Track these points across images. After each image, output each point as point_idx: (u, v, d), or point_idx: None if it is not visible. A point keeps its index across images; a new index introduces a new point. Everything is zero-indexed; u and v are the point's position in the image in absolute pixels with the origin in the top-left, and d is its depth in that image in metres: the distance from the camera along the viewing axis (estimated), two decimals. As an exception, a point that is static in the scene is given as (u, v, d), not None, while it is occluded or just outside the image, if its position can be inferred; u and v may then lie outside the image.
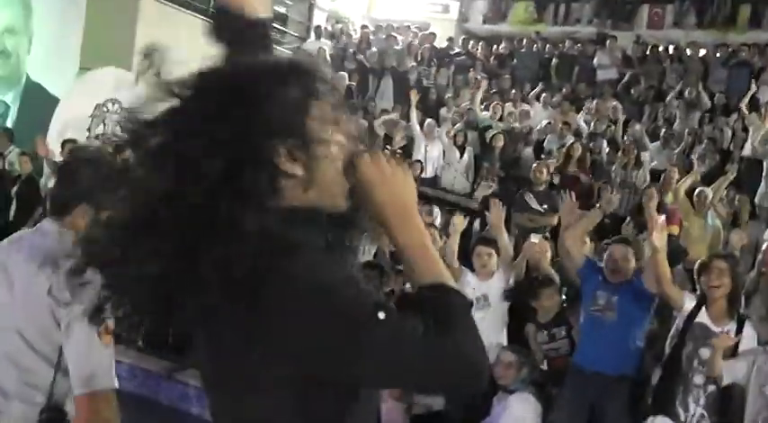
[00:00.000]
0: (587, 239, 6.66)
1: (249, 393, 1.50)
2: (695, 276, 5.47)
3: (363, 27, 18.81)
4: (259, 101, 1.45)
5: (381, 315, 1.41)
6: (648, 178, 10.80)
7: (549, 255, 6.48)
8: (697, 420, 5.01)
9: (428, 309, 1.48)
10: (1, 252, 2.79)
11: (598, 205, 6.22)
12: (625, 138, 12.19)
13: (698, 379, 5.03)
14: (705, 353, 4.98)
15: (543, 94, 14.63)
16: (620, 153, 11.35)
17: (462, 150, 12.46)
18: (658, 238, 5.07)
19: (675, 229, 8.00)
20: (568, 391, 5.53)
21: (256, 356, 1.44)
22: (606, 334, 5.37)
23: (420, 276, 1.55)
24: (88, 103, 10.98)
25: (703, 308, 5.13)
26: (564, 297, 6.19)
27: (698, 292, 5.38)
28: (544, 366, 5.89)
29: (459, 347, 1.46)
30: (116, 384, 2.58)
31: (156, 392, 7.06)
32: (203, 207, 1.38)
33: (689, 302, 5.20)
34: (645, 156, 11.39)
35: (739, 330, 5.04)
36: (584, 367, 5.42)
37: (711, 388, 5.00)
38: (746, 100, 12.32)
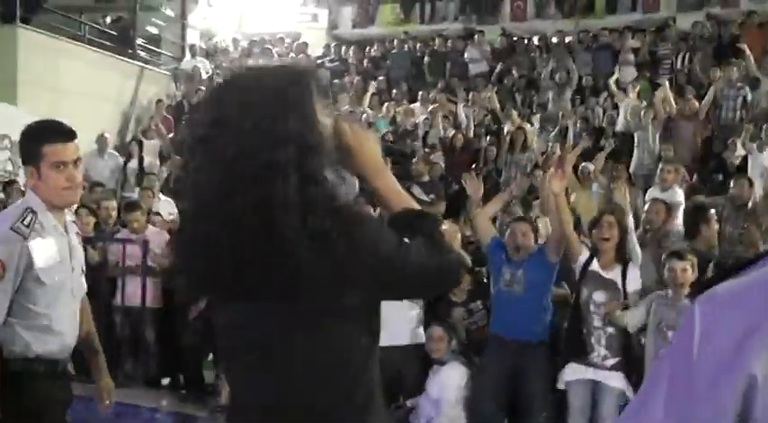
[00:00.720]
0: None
1: (322, 329, 1.87)
2: (588, 231, 6.07)
3: (235, 41, 19.00)
4: (302, 103, 1.84)
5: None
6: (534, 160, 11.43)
7: (458, 237, 6.88)
8: (602, 360, 5.54)
9: (417, 227, 1.97)
10: None
11: (510, 188, 6.60)
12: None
13: (597, 322, 5.56)
14: (599, 297, 5.54)
15: (420, 92, 15.08)
16: (507, 138, 11.94)
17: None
18: (557, 185, 5.49)
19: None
20: (488, 357, 5.95)
21: (332, 290, 1.82)
22: (516, 305, 5.78)
23: (397, 208, 2.04)
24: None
25: (595, 258, 5.67)
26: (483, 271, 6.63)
27: (590, 246, 5.92)
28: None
29: (445, 254, 1.97)
30: None
31: None
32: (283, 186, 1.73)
33: (584, 255, 5.72)
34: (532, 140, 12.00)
35: (624, 273, 5.60)
36: (502, 335, 5.83)
37: (610, 330, 5.53)
38: (613, 79, 13.17)
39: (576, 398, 5.57)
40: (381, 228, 1.93)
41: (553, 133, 12.40)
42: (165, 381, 7.99)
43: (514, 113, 12.93)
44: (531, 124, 12.97)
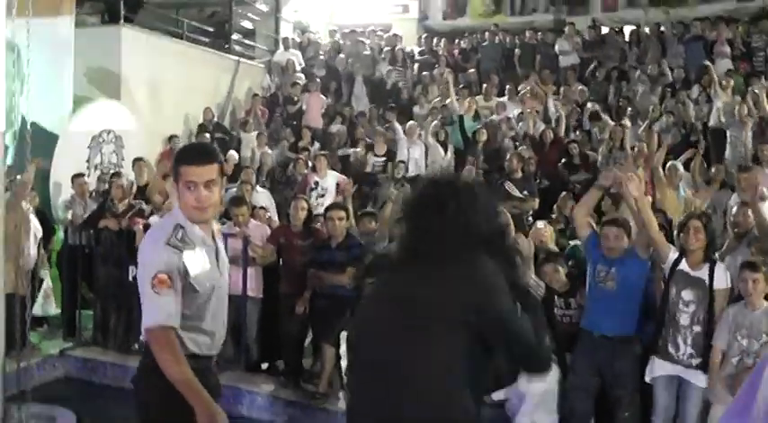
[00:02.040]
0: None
1: (439, 337, 2.40)
2: (676, 234, 6.26)
3: (333, 33, 19.39)
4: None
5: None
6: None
7: (552, 236, 7.07)
8: (687, 358, 5.73)
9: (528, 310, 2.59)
10: None
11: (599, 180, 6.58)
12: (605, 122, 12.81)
13: (684, 320, 5.75)
14: (687, 295, 5.73)
15: (507, 86, 15.09)
16: (607, 136, 11.99)
17: (445, 147, 13.06)
18: (634, 188, 5.68)
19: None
20: (580, 354, 6.15)
21: (457, 305, 2.42)
22: (609, 301, 5.96)
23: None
24: (84, 135, 11.50)
25: (683, 259, 5.83)
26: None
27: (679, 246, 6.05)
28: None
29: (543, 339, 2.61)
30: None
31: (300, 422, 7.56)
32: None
33: (673, 254, 5.90)
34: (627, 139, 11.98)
35: (711, 272, 5.74)
36: (592, 331, 6.02)
37: (697, 329, 5.72)
38: (714, 76, 12.84)
39: (663, 394, 5.77)
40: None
41: (642, 128, 12.35)
42: (264, 366, 8.34)
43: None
44: (623, 118, 12.92)
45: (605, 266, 6.07)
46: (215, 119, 15.07)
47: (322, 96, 15.82)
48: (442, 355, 2.37)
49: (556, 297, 6.62)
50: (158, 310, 3.35)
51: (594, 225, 6.55)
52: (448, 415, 2.33)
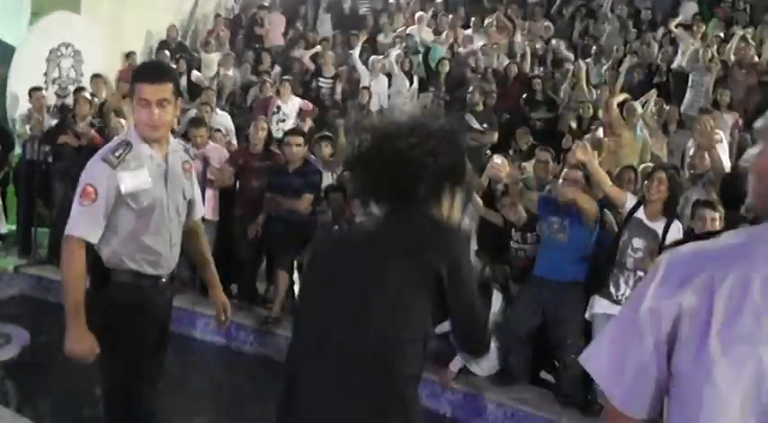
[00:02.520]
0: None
1: (395, 271, 2.34)
2: (642, 180, 6.37)
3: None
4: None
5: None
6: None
7: (508, 170, 7.12)
8: (625, 298, 5.81)
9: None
10: None
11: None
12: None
13: (629, 264, 5.86)
14: (638, 243, 5.82)
15: (473, 18, 14.94)
16: (570, 74, 12.00)
17: (411, 78, 12.99)
18: (582, 154, 5.86)
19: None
20: (525, 292, 6.30)
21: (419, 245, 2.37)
22: (559, 252, 6.10)
23: None
24: (43, 48, 11.28)
25: (641, 207, 5.92)
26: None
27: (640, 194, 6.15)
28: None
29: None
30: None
31: (251, 345, 7.61)
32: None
33: (630, 201, 6.00)
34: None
35: (668, 226, 5.82)
36: (542, 276, 6.16)
37: (641, 273, 5.80)
38: (677, 21, 12.97)
39: (599, 330, 5.89)
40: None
41: (605, 67, 12.37)
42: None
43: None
44: (588, 57, 12.92)
45: (558, 219, 6.18)
46: (178, 37, 14.84)
47: (283, 16, 15.65)
48: (396, 289, 2.32)
49: (513, 230, 6.69)
50: (77, 220, 3.43)
51: None
52: (395, 347, 2.31)
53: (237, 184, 8.28)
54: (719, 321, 1.35)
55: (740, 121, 9.96)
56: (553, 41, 13.87)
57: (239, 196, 8.24)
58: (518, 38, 13.98)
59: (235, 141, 10.22)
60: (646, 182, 6.04)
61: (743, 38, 11.42)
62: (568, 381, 6.06)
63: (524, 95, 11.84)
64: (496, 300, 6.28)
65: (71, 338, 3.37)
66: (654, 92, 10.21)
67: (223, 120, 10.83)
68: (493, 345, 6.18)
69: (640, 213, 5.92)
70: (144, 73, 3.61)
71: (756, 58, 11.13)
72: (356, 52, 13.25)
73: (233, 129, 10.83)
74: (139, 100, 3.49)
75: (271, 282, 8.05)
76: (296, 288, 7.77)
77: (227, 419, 6.25)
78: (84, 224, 3.42)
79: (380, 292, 2.31)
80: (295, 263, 7.71)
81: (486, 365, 6.26)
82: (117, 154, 3.47)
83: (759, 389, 1.33)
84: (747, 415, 1.34)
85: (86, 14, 12.87)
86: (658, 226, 5.84)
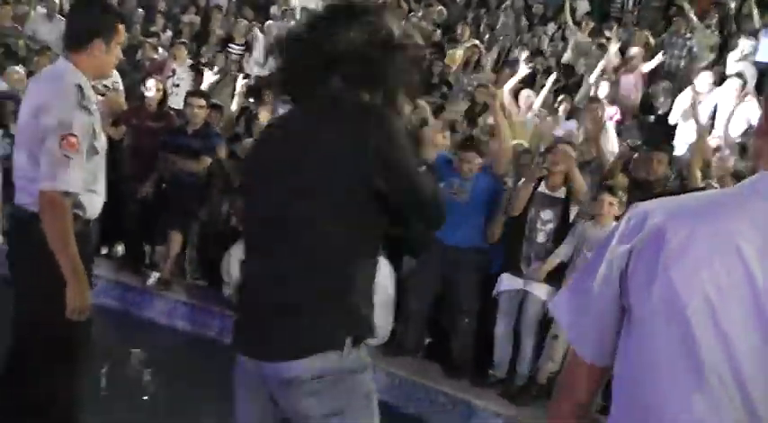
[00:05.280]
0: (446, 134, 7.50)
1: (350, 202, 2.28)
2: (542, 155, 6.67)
3: None
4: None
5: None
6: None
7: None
8: (534, 272, 6.01)
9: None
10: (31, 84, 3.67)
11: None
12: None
13: (540, 238, 6.05)
14: (546, 215, 6.03)
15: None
16: (462, 56, 12.10)
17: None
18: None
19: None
20: (424, 261, 6.28)
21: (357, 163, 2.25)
22: (459, 213, 6.03)
23: None
24: None
25: (542, 181, 6.12)
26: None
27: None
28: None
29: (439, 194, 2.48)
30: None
31: (139, 307, 7.38)
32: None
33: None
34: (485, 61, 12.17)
35: (569, 192, 6.05)
36: (441, 240, 6.09)
37: (550, 246, 6.01)
38: (567, 11, 13.33)
39: (505, 304, 6.03)
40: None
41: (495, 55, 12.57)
42: (104, 250, 8.09)
43: (468, 32, 13.04)
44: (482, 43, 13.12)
45: (459, 179, 6.25)
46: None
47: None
48: (335, 218, 2.26)
49: None
50: (64, 174, 3.27)
51: None
52: (336, 279, 2.31)
53: (128, 143, 8.03)
54: (669, 256, 1.41)
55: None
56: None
57: (129, 155, 7.99)
58: (412, 21, 14.02)
59: (123, 100, 9.88)
60: (548, 155, 6.26)
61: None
62: (459, 348, 6.16)
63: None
64: (387, 270, 6.25)
65: (77, 293, 3.31)
66: (553, 76, 10.44)
67: (113, 77, 10.45)
68: (387, 315, 6.21)
69: (542, 187, 6.10)
70: (121, 14, 3.82)
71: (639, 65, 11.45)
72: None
73: (122, 87, 10.47)
74: (119, 42, 3.56)
75: (157, 244, 7.82)
76: (188, 251, 7.63)
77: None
78: (71, 178, 3.29)
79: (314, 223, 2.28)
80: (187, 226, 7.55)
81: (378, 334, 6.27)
82: (85, 100, 3.36)
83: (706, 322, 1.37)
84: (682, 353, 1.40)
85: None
86: (561, 193, 6.06)
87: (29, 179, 3.36)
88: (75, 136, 3.28)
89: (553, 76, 10.31)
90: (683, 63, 11.52)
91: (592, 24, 12.99)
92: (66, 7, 12.53)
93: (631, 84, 10.80)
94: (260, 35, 12.98)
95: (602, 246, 1.55)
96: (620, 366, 1.54)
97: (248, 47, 12.86)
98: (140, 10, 14.17)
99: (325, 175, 2.25)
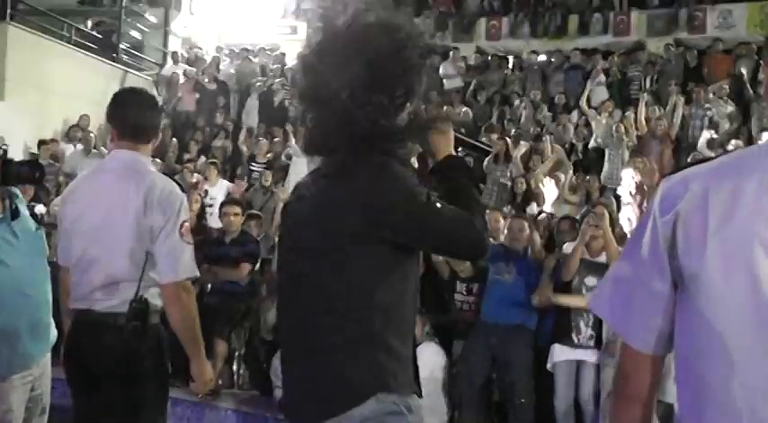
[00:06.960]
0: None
1: (351, 258, 2.23)
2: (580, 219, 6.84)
3: (219, 49, 19.28)
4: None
5: (432, 198, 2.26)
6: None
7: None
8: (587, 340, 6.00)
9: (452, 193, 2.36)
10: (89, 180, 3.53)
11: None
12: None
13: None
14: (591, 281, 6.01)
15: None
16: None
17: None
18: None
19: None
20: (473, 342, 6.35)
21: (357, 219, 2.20)
22: (504, 293, 6.25)
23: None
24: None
25: (583, 247, 6.15)
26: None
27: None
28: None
29: (474, 221, 2.30)
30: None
31: (189, 421, 7.43)
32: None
33: (569, 246, 6.29)
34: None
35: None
36: (488, 320, 6.24)
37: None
38: (584, 98, 13.66)
39: (562, 378, 6.01)
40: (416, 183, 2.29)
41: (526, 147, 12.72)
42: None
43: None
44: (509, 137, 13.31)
45: (503, 261, 6.32)
46: (89, 127, 14.65)
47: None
48: (358, 276, 2.23)
49: (458, 282, 6.76)
50: (189, 260, 3.34)
51: None
52: (359, 339, 2.25)
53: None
54: (715, 224, 1.41)
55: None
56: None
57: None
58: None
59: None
60: (587, 217, 6.33)
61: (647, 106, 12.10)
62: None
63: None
64: (438, 356, 6.29)
65: (202, 370, 3.45)
66: (569, 166, 10.62)
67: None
68: (442, 398, 6.20)
69: (584, 254, 6.14)
70: None
71: (665, 125, 11.65)
72: (292, 141, 13.44)
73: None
74: None
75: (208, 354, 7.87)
76: (236, 360, 7.68)
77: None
78: (192, 263, 3.36)
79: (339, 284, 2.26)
80: (233, 335, 7.63)
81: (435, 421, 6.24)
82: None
83: (756, 287, 1.36)
84: (747, 311, 1.37)
85: (10, 101, 13.01)
86: (603, 258, 6.07)
87: (116, 280, 3.31)
88: (187, 221, 3.39)
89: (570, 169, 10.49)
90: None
91: (611, 106, 13.25)
92: (100, 145, 13.07)
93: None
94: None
95: (640, 225, 1.56)
96: (680, 343, 1.50)
97: (269, 165, 13.16)
98: (174, 140, 14.61)
99: (327, 233, 2.26)
